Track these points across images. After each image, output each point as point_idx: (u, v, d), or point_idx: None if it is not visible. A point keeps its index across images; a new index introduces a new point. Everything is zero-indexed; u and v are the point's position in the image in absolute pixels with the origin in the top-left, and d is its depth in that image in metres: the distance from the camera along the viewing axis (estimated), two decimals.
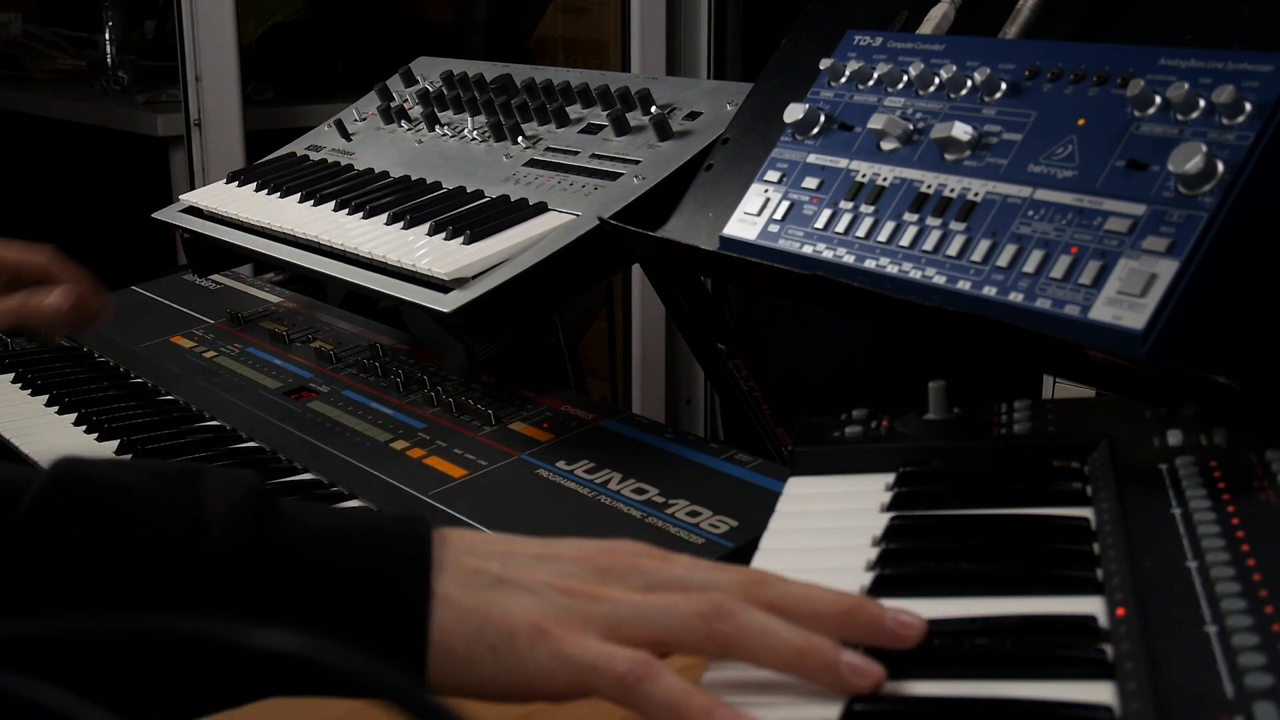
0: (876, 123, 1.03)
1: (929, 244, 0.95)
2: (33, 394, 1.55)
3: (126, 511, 0.62)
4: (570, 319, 2.79)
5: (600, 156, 1.37)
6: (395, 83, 1.80)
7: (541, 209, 1.32)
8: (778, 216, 1.06)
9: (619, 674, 0.59)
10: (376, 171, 1.59)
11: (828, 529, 0.82)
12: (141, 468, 0.66)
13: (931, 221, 0.96)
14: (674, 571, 0.65)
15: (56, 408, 1.50)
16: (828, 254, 1.01)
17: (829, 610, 0.64)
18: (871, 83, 1.08)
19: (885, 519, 0.80)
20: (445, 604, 0.63)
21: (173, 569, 0.61)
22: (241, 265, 1.82)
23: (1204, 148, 0.82)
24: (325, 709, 0.70)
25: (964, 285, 0.91)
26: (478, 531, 0.67)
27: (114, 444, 1.37)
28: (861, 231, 1.00)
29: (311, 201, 1.52)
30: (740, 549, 0.96)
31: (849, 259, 0.99)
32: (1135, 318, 0.80)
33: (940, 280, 0.93)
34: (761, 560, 0.78)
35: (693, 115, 1.36)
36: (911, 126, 1.02)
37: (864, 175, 1.03)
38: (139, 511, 0.63)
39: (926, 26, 1.10)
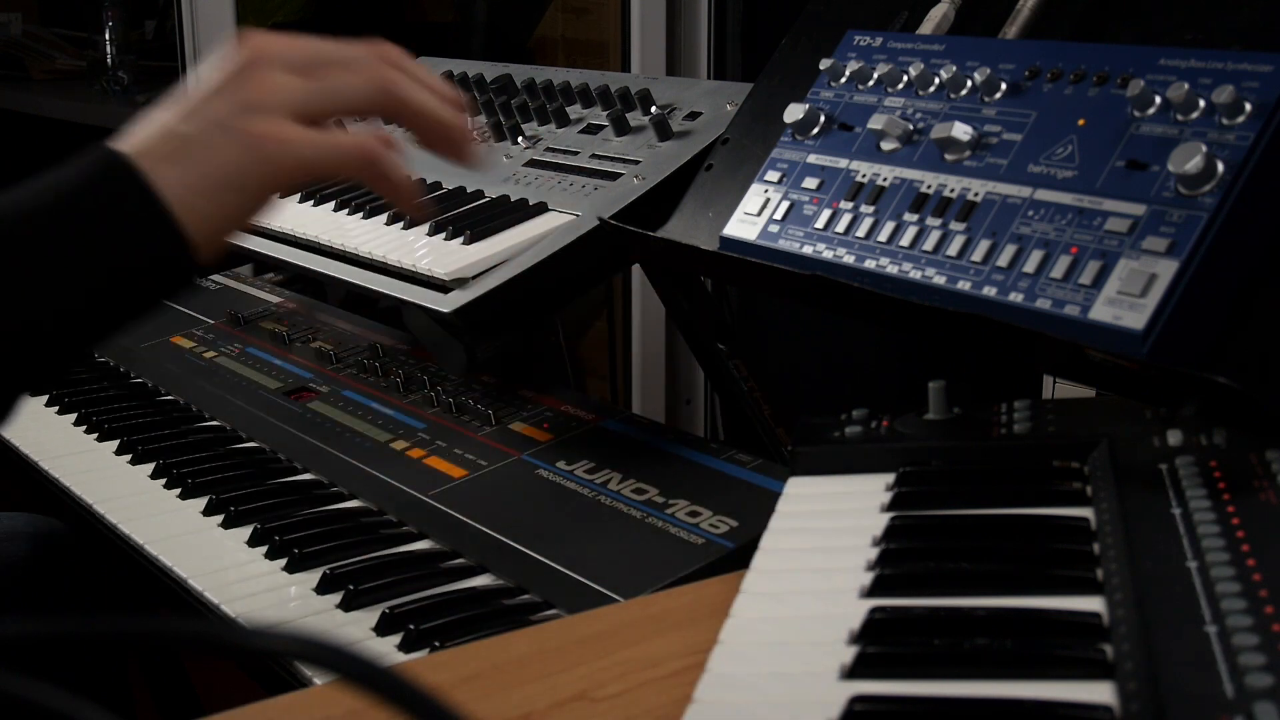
0: (876, 123, 1.03)
1: (929, 244, 0.95)
2: (33, 394, 1.55)
3: None
4: (570, 319, 2.80)
5: (600, 156, 1.37)
6: None
7: (541, 209, 1.32)
8: (778, 217, 1.06)
9: (351, 154, 0.74)
10: None
11: (828, 529, 0.82)
12: None
13: (931, 222, 0.96)
14: (307, 49, 0.76)
15: (57, 408, 1.50)
16: (828, 254, 1.01)
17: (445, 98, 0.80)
18: (871, 83, 1.08)
19: (885, 519, 0.80)
20: (169, 184, 0.70)
21: None
22: (241, 265, 1.82)
23: (1204, 148, 0.82)
24: (325, 709, 0.70)
25: (964, 285, 0.91)
26: (142, 122, 0.76)
27: (114, 444, 1.37)
28: (861, 231, 1.00)
29: (311, 201, 1.52)
30: (740, 549, 0.96)
31: (849, 259, 0.99)
32: (1135, 318, 0.80)
33: (940, 280, 0.93)
34: (762, 560, 0.78)
35: (693, 115, 1.36)
36: (911, 126, 1.02)
37: (864, 175, 1.03)
38: None
39: (926, 26, 1.10)
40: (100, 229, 0.69)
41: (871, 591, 0.72)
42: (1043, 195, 0.91)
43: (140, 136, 0.73)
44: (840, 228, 1.01)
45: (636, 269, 1.84)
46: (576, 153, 1.40)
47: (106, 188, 0.70)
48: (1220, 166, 0.82)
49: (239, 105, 0.72)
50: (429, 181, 1.50)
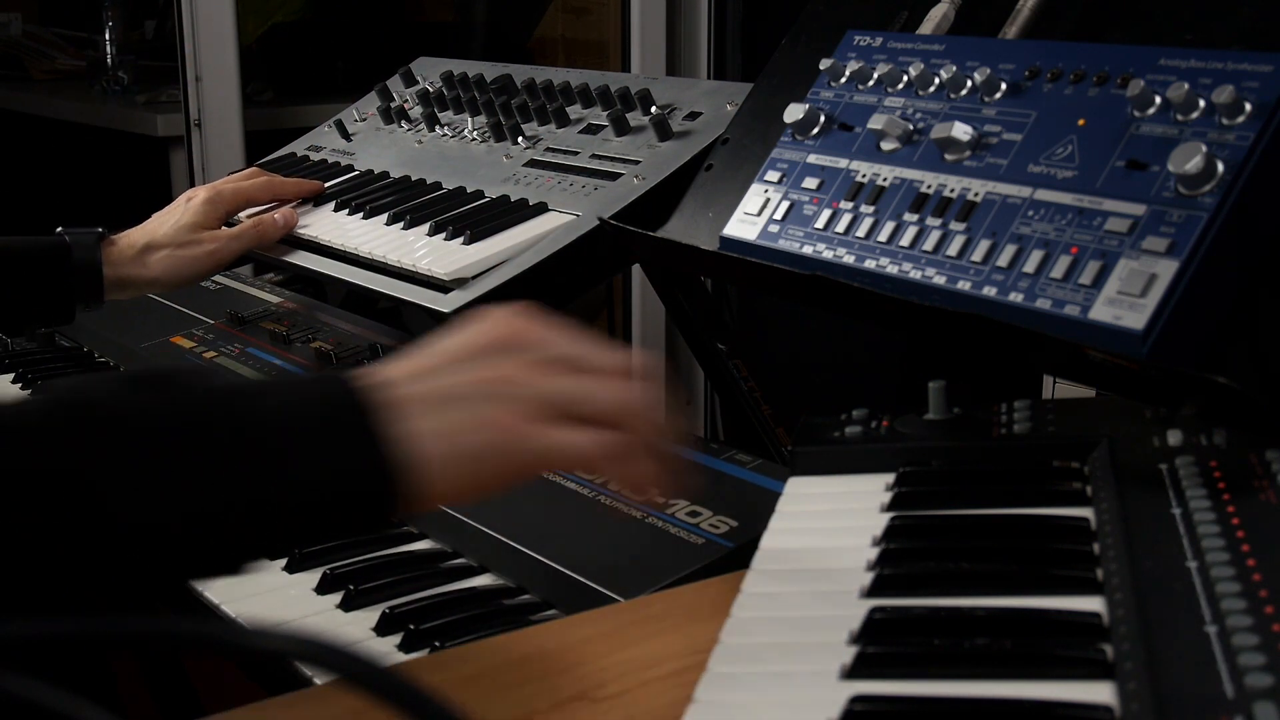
0: (876, 123, 1.03)
1: (929, 244, 0.95)
2: (33, 394, 1.55)
3: (123, 419, 0.66)
4: (570, 319, 2.79)
5: (600, 157, 1.37)
6: (395, 83, 1.80)
7: (541, 209, 1.32)
8: (778, 216, 1.06)
9: (594, 455, 0.73)
10: (376, 172, 1.59)
11: (828, 529, 0.82)
12: (107, 379, 0.71)
13: (931, 222, 0.96)
14: (563, 346, 0.76)
15: None
16: (828, 254, 1.01)
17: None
18: (871, 83, 1.08)
19: (885, 519, 0.80)
20: (419, 439, 0.69)
21: (169, 463, 0.65)
22: (242, 265, 1.82)
23: (1204, 148, 0.82)
24: (325, 709, 0.70)
25: (964, 285, 0.91)
26: (392, 362, 0.75)
27: None
28: (861, 231, 1.00)
29: (312, 202, 1.52)
30: (740, 549, 0.96)
31: (849, 259, 0.99)
32: (1135, 318, 0.80)
33: (940, 280, 0.93)
34: (762, 560, 0.78)
35: (693, 115, 1.36)
36: (911, 126, 1.02)
37: (864, 175, 1.03)
38: (130, 419, 0.66)
39: (926, 26, 1.10)
40: (325, 445, 0.68)
41: (871, 591, 0.72)
42: (1043, 195, 0.91)
43: (394, 377, 0.72)
44: (840, 228, 1.01)
45: (636, 269, 1.84)
46: (576, 153, 1.40)
47: (338, 414, 0.69)
48: (1220, 166, 0.82)
49: (490, 384, 0.72)
50: (429, 181, 1.50)
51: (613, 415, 0.74)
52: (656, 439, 0.76)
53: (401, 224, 1.37)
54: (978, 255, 0.91)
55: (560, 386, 0.73)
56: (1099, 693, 0.59)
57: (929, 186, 0.98)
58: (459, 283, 1.22)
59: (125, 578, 0.66)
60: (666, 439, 0.76)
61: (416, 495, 0.69)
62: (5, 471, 0.63)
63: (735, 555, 0.95)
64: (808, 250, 1.02)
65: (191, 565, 0.69)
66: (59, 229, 1.40)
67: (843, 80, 1.10)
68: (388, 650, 0.95)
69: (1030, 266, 0.88)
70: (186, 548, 0.66)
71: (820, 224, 1.03)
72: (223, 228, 1.48)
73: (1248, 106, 0.83)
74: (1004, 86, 0.99)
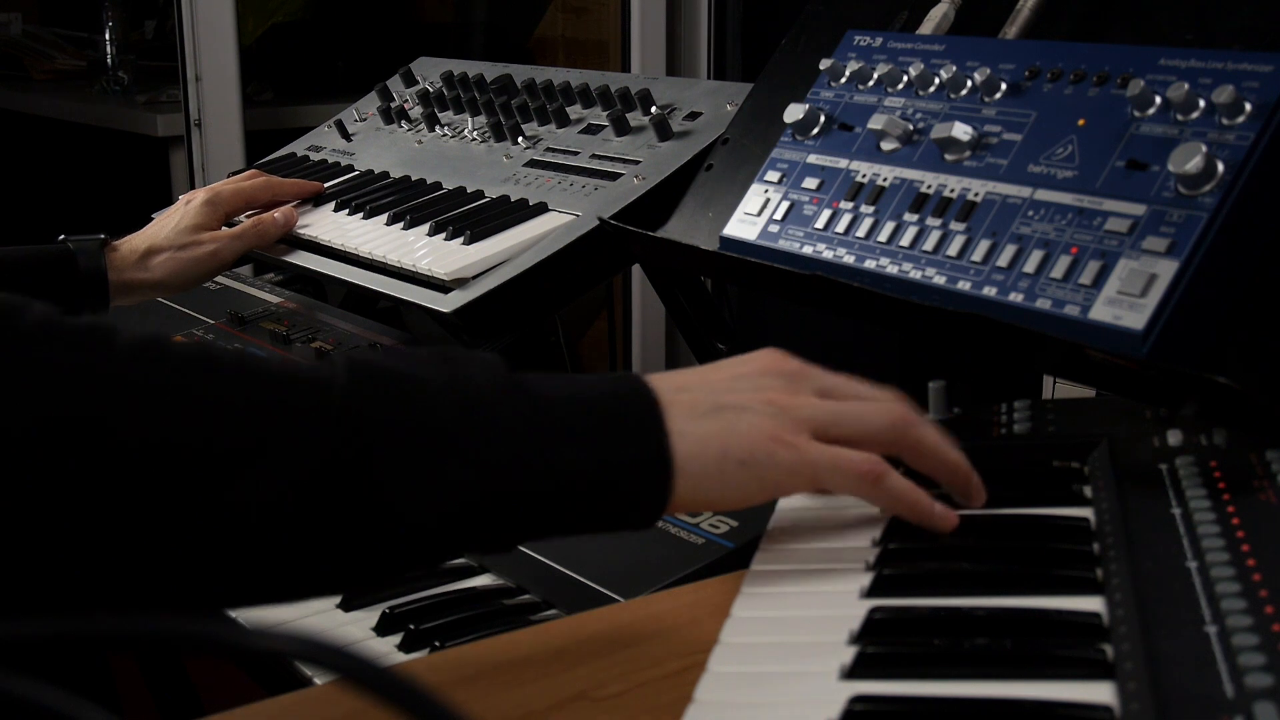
0: (876, 123, 1.03)
1: (929, 244, 0.95)
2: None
3: (420, 395, 0.68)
4: (570, 319, 2.79)
5: (600, 157, 1.37)
6: (395, 83, 1.80)
7: (541, 209, 1.32)
8: (778, 217, 1.06)
9: (861, 472, 0.75)
10: (376, 172, 1.59)
11: (827, 529, 0.82)
12: (405, 355, 0.71)
13: (931, 222, 0.96)
14: (835, 380, 0.79)
15: None
16: (827, 254, 1.01)
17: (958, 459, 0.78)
18: (871, 83, 1.08)
19: (885, 519, 0.80)
20: (683, 438, 0.71)
21: (466, 440, 0.67)
22: (242, 265, 1.82)
23: (1204, 148, 0.82)
24: (325, 709, 0.70)
25: (964, 285, 0.91)
26: (667, 373, 0.77)
27: None
28: (861, 232, 1.00)
29: (312, 202, 1.52)
30: (740, 549, 0.96)
31: (849, 259, 0.99)
32: (1135, 318, 0.80)
33: (940, 280, 0.93)
34: (761, 561, 0.78)
35: (693, 115, 1.36)
36: (911, 127, 1.02)
37: (864, 175, 1.03)
38: (428, 395, 0.68)
39: (926, 26, 1.10)
40: (604, 435, 0.70)
41: (871, 591, 0.72)
42: (1043, 195, 0.91)
43: (672, 384, 0.75)
44: (840, 228, 1.01)
45: (636, 269, 1.84)
46: (576, 153, 1.40)
47: (626, 405, 0.72)
48: (1220, 166, 0.82)
49: (757, 401, 0.75)
50: (429, 181, 1.50)
51: (881, 438, 0.76)
52: (925, 460, 0.77)
53: (401, 224, 1.37)
54: (978, 255, 0.91)
55: (829, 408, 0.76)
56: (1099, 693, 0.59)
57: (929, 186, 0.98)
58: (459, 283, 1.22)
59: (396, 550, 0.68)
60: (938, 459, 0.77)
61: (681, 496, 0.71)
62: (305, 437, 0.65)
63: (735, 555, 0.95)
64: (808, 250, 1.02)
65: (465, 544, 0.72)
66: (61, 237, 1.40)
67: (843, 80, 1.10)
68: (388, 650, 0.95)
69: (1030, 266, 0.88)
70: (462, 527, 0.68)
71: (820, 224, 1.03)
72: (223, 228, 1.49)
73: (1248, 106, 0.83)
74: (1004, 86, 0.99)
